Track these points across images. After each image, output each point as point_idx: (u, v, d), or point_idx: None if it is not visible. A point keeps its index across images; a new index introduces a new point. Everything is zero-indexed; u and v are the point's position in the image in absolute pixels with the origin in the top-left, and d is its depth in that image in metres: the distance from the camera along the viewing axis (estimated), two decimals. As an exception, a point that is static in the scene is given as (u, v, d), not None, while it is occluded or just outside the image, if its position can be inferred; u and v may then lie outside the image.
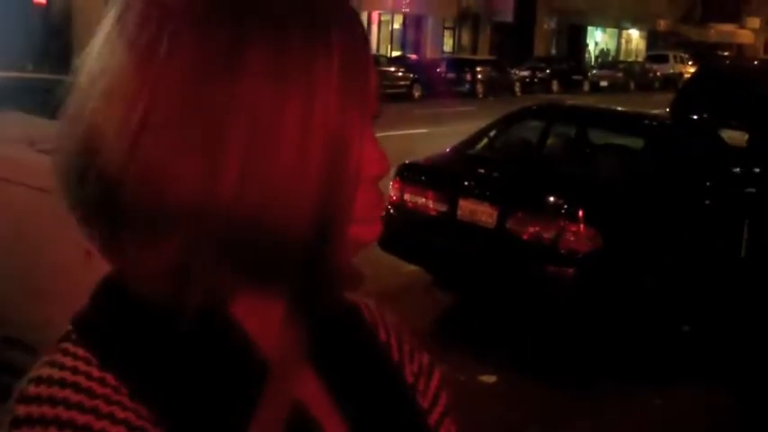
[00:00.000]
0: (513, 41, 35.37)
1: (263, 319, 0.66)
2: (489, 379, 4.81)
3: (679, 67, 36.03)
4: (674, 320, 5.50)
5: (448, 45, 34.93)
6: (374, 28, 30.73)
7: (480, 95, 25.23)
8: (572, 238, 4.89)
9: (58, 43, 16.90)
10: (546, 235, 4.99)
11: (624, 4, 42.41)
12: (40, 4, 19.18)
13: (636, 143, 6.26)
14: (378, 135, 0.65)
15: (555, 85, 30.15)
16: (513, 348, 5.23)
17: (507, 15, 35.62)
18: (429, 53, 31.58)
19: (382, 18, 31.72)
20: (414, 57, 28.46)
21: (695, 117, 8.26)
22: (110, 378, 0.60)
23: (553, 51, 39.40)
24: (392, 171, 5.68)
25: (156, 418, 0.60)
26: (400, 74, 23.73)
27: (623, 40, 47.81)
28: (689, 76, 14.27)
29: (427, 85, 24.14)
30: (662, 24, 47.39)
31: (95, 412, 0.58)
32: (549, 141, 6.63)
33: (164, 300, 0.59)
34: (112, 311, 0.64)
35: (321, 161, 0.58)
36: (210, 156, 0.56)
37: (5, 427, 0.58)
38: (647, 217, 5.34)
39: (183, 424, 0.60)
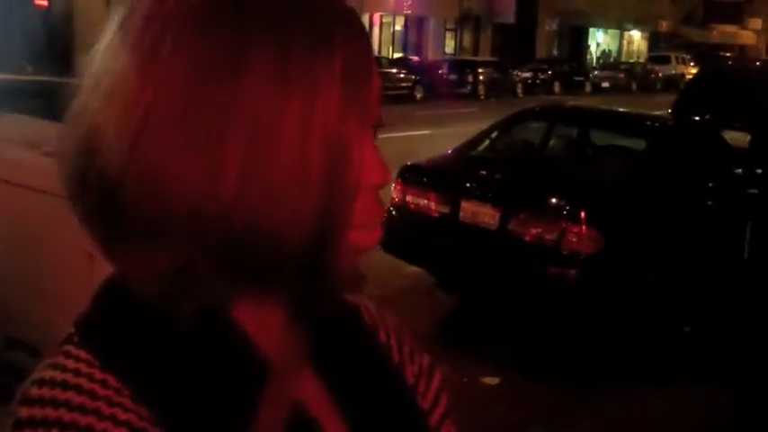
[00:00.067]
0: (514, 43, 35.35)
1: (263, 321, 0.66)
2: (490, 380, 4.80)
3: (681, 69, 36.01)
4: (675, 321, 5.50)
5: (449, 46, 34.92)
6: (376, 29, 30.72)
7: (482, 97, 25.23)
8: (574, 240, 4.89)
9: (58, 45, 16.90)
10: (548, 236, 4.99)
11: (626, 5, 42.39)
12: (41, 6, 19.19)
13: (638, 144, 6.26)
14: (379, 136, 0.65)
15: (557, 87, 30.13)
16: (514, 349, 5.23)
17: (509, 17, 35.60)
18: (431, 55, 31.56)
19: (384, 20, 31.72)
20: (415, 58, 28.46)
21: (697, 118, 8.25)
22: (111, 380, 0.61)
23: (555, 53, 39.40)
24: (394, 173, 5.68)
25: (156, 419, 0.60)
26: (402, 75, 23.72)
27: (625, 42, 47.77)
28: (691, 77, 14.26)
29: (429, 87, 24.11)
30: (664, 25, 47.38)
31: (97, 414, 0.59)
32: (551, 143, 6.62)
33: (164, 301, 0.59)
34: (114, 313, 0.64)
35: (321, 164, 0.58)
36: (211, 156, 0.56)
37: (8, 429, 0.58)
38: (649, 218, 5.33)
39: (183, 424, 0.61)
